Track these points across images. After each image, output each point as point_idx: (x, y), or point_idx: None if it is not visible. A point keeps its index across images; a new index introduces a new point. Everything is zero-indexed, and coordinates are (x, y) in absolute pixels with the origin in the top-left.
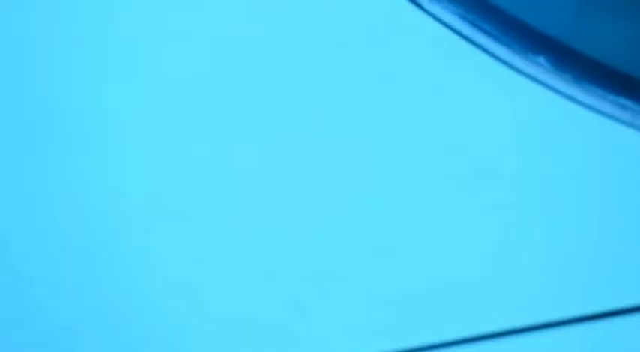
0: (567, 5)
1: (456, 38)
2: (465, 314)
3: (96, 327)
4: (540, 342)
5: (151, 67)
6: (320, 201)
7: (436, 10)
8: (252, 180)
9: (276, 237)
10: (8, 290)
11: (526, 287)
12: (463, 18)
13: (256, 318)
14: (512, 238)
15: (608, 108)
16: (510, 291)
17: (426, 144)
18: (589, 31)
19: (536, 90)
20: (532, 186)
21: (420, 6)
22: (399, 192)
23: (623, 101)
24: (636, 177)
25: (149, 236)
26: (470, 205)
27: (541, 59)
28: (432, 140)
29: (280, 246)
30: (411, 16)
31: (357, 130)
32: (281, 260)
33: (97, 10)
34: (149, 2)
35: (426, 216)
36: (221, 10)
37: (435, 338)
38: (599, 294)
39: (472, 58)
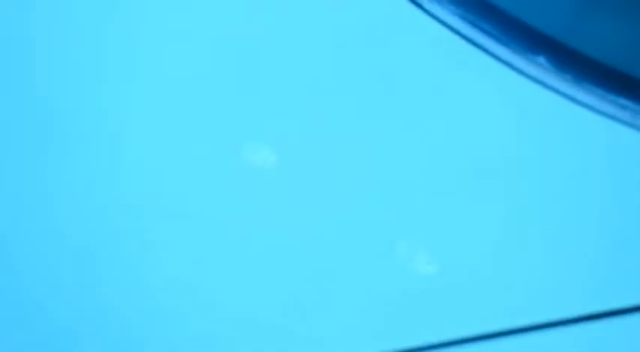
0: (567, 5)
1: (456, 38)
2: (465, 314)
3: (96, 327)
4: (540, 342)
5: (151, 67)
6: (320, 201)
7: (436, 10)
8: (252, 180)
9: (276, 237)
10: (8, 290)
11: (526, 287)
12: (463, 18)
13: (256, 318)
14: (512, 238)
15: (608, 108)
16: (510, 291)
17: (426, 144)
18: (589, 31)
19: (536, 90)
20: (532, 186)
21: (420, 6)
22: (399, 192)
23: (623, 101)
24: (636, 177)
25: (149, 236)
26: (470, 205)
27: (541, 59)
28: (432, 140)
29: (280, 246)
30: (411, 16)
31: (357, 130)
32: (281, 260)
33: (96, 10)
34: (149, 2)
35: (426, 216)
36: (221, 9)
37: (435, 338)
38: (599, 294)
39: (472, 58)
